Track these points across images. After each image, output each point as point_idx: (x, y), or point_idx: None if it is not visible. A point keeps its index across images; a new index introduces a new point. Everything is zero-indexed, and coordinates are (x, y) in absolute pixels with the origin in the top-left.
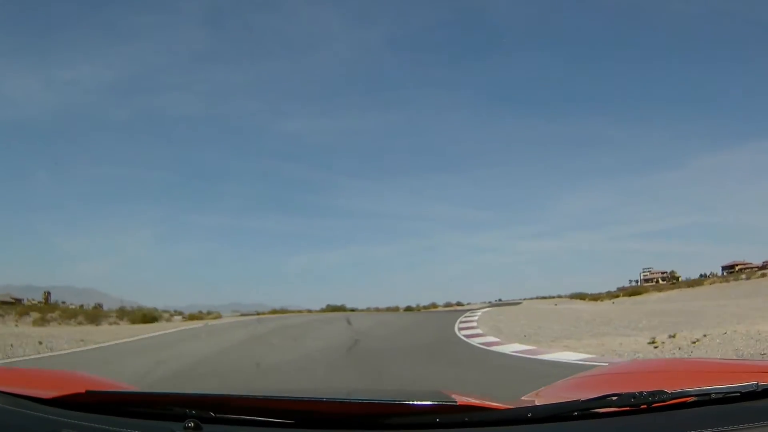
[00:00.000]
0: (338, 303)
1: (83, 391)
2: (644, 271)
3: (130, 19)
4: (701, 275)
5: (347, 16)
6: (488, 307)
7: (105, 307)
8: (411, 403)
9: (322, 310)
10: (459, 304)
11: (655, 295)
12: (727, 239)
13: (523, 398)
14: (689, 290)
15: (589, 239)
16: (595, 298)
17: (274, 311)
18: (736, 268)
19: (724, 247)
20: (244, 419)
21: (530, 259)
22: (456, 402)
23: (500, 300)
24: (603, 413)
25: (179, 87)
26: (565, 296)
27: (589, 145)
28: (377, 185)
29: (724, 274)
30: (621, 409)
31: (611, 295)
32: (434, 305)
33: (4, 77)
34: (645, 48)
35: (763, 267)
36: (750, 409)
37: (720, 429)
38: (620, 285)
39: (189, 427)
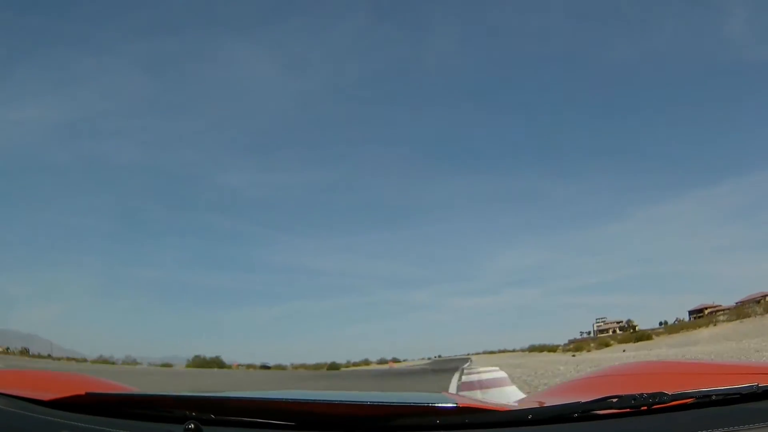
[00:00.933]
0: (271, 358)
1: (83, 392)
2: (598, 321)
3: (76, 61)
4: (660, 323)
5: (286, 68)
6: (427, 362)
7: (47, 354)
8: (411, 404)
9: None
10: (395, 360)
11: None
12: (670, 289)
13: (523, 400)
14: (696, 333)
15: (527, 295)
16: (552, 350)
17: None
18: (705, 311)
19: (668, 297)
20: (245, 421)
21: (468, 316)
22: (457, 403)
23: (440, 356)
24: (603, 415)
25: (121, 134)
26: (512, 351)
27: (525, 200)
28: (314, 242)
29: (692, 319)
30: (621, 411)
31: (566, 348)
32: (366, 362)
33: None
34: (579, 102)
35: (737, 308)
36: (750, 410)
37: (720, 430)
38: (570, 338)
39: (189, 429)
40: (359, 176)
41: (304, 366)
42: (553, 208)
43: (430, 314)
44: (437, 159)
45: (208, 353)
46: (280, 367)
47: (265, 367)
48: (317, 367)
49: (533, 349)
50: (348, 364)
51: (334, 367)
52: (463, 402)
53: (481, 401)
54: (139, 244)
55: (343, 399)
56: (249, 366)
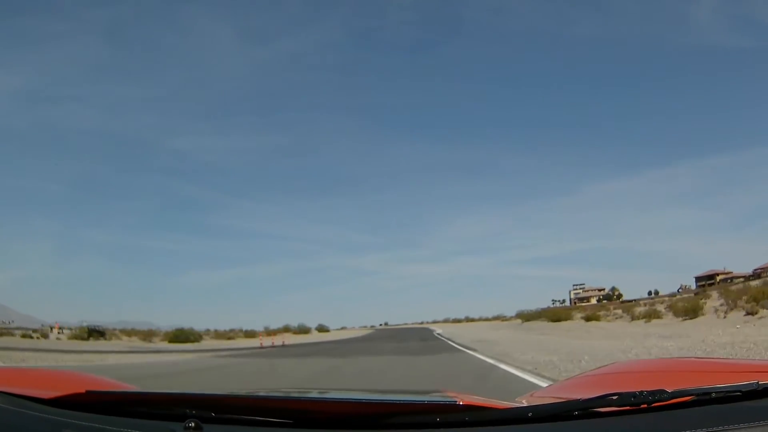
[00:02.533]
0: (217, 323)
1: (83, 391)
2: (576, 288)
3: (30, 26)
4: (650, 293)
5: (243, 33)
6: (368, 331)
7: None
8: (411, 402)
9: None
10: (322, 328)
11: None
12: (624, 264)
13: (523, 397)
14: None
15: (477, 264)
16: (505, 319)
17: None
18: (717, 278)
19: (620, 273)
20: (245, 419)
21: (415, 283)
22: (456, 401)
23: (386, 323)
24: (603, 412)
25: (78, 98)
26: (490, 319)
27: (478, 171)
28: (265, 206)
29: (698, 287)
30: (621, 408)
31: (525, 317)
32: (304, 330)
33: None
34: (538, 74)
35: (753, 276)
36: (751, 408)
37: (721, 428)
38: (519, 309)
39: (189, 427)
40: (311, 142)
41: (216, 333)
42: (504, 179)
43: (379, 281)
44: (390, 127)
45: (142, 318)
46: (193, 333)
47: (96, 332)
48: (229, 335)
49: (524, 316)
50: (268, 332)
51: (250, 335)
52: (464, 399)
53: (481, 399)
54: (91, 208)
55: (342, 397)
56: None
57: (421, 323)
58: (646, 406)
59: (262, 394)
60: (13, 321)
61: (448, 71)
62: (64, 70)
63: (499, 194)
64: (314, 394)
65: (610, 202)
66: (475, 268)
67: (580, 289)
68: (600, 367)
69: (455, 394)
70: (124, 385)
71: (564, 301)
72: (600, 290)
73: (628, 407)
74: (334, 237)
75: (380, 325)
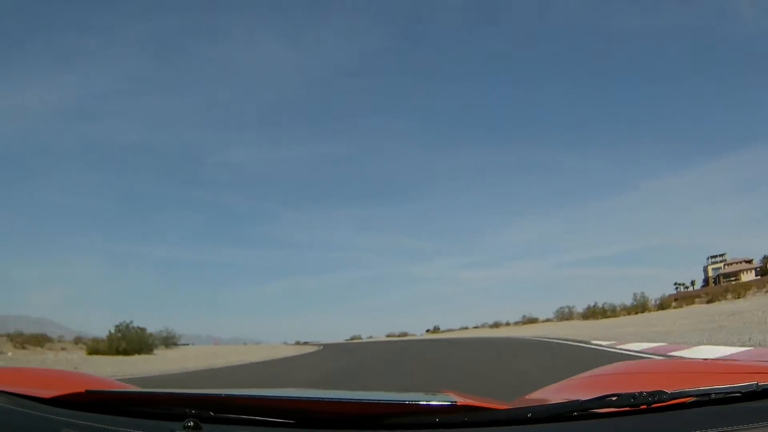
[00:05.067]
0: (274, 336)
1: (83, 390)
2: (714, 261)
3: (72, 44)
4: None
5: (291, 43)
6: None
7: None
8: (411, 402)
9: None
10: (403, 334)
11: None
12: (677, 262)
13: (522, 398)
14: None
15: (532, 267)
16: (614, 314)
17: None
18: None
19: (677, 270)
20: (244, 419)
21: (471, 288)
22: (456, 402)
23: (437, 327)
24: (602, 413)
25: (122, 114)
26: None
27: (533, 171)
28: (319, 216)
29: None
30: (620, 409)
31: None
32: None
33: None
34: (588, 71)
35: None
36: (750, 409)
37: (720, 429)
38: (580, 307)
39: (189, 427)
40: (365, 149)
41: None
42: (560, 179)
43: (432, 288)
44: (443, 131)
45: (211, 331)
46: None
47: None
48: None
49: (596, 312)
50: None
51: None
52: (462, 400)
53: (480, 399)
54: (143, 223)
55: (342, 397)
56: None
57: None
58: (645, 407)
59: (261, 393)
60: (63, 336)
61: (497, 71)
62: (108, 85)
63: (553, 194)
64: (314, 394)
65: (667, 197)
66: (529, 271)
67: (721, 262)
68: (600, 368)
69: (455, 395)
70: (124, 385)
71: (694, 283)
72: (747, 261)
73: (627, 408)
74: (387, 245)
75: (427, 331)
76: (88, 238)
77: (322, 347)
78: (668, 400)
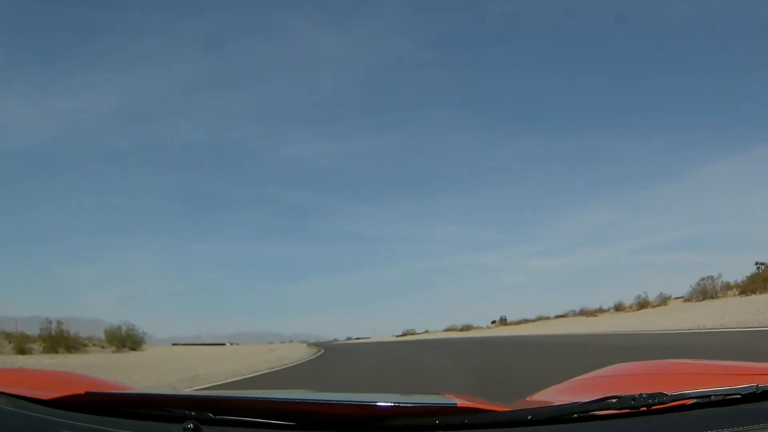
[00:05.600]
0: (346, 330)
1: (83, 392)
2: None
3: (127, 46)
4: None
5: (346, 37)
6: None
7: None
8: (410, 404)
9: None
10: (467, 327)
11: None
12: (740, 247)
13: (523, 400)
14: None
15: (598, 255)
16: None
17: None
18: None
19: (739, 256)
20: (244, 420)
21: (539, 278)
22: (456, 404)
23: (503, 319)
24: (602, 416)
25: (179, 114)
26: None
27: (592, 160)
28: (383, 209)
29: None
30: (620, 411)
31: None
32: (408, 333)
33: (2, 107)
34: (644, 59)
35: None
36: (750, 411)
37: (720, 431)
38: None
39: (188, 429)
40: (424, 141)
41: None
42: (621, 166)
43: (500, 277)
44: (502, 121)
45: (280, 328)
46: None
47: None
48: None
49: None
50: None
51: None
52: (463, 402)
53: (480, 401)
54: (204, 222)
55: (342, 399)
56: None
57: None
58: (645, 409)
59: (261, 395)
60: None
61: (561, 61)
62: (165, 86)
63: (613, 181)
64: (313, 396)
65: (725, 184)
66: (594, 259)
67: None
68: (600, 370)
69: (455, 397)
70: (124, 387)
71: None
72: None
73: (627, 410)
74: (452, 235)
75: (493, 323)
76: (144, 238)
77: (320, 351)
78: (668, 402)
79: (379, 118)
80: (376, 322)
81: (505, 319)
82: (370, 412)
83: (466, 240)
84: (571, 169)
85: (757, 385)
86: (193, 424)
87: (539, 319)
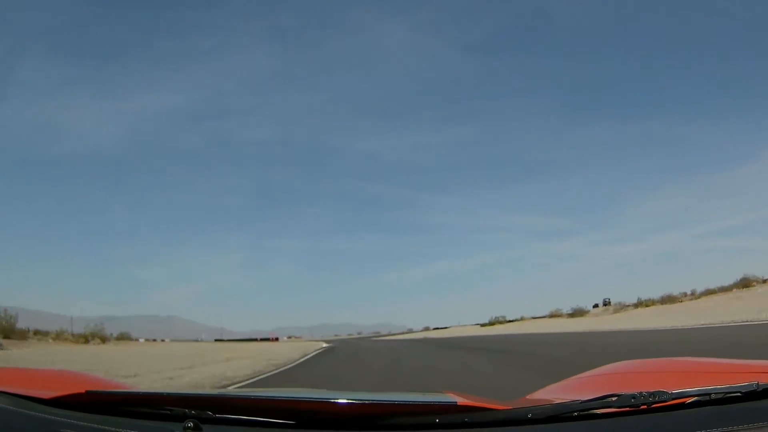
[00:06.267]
0: (424, 320)
1: (83, 391)
2: None
3: (191, 45)
4: None
5: (414, 27)
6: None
7: (189, 333)
8: (411, 403)
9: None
10: (578, 312)
11: None
12: None
13: (523, 398)
14: None
15: (669, 240)
16: None
17: None
18: None
19: None
20: (244, 419)
21: (612, 264)
22: (456, 402)
23: (580, 310)
24: (603, 414)
25: (250, 111)
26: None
27: (664, 145)
28: (457, 199)
29: None
30: (621, 409)
31: None
32: (498, 321)
33: (68, 110)
34: (711, 44)
35: None
36: (750, 409)
37: (720, 430)
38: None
39: (188, 428)
40: (497, 130)
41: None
42: (690, 151)
43: (573, 265)
44: (573, 108)
45: (361, 319)
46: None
47: None
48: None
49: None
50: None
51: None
52: (462, 400)
53: (480, 399)
54: (280, 217)
55: (342, 398)
56: None
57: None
58: (645, 407)
59: (261, 394)
60: (202, 337)
61: (633, 47)
62: (234, 83)
63: (684, 166)
64: (314, 395)
65: None
66: (667, 244)
67: None
68: (600, 368)
69: (455, 395)
70: (124, 386)
71: None
72: None
73: (627, 408)
74: (528, 224)
75: (596, 307)
76: (219, 235)
77: (323, 347)
78: (668, 400)
79: (451, 108)
80: (455, 311)
81: (583, 311)
82: (370, 410)
83: (540, 229)
84: (642, 154)
85: (757, 383)
86: (193, 422)
87: (619, 308)
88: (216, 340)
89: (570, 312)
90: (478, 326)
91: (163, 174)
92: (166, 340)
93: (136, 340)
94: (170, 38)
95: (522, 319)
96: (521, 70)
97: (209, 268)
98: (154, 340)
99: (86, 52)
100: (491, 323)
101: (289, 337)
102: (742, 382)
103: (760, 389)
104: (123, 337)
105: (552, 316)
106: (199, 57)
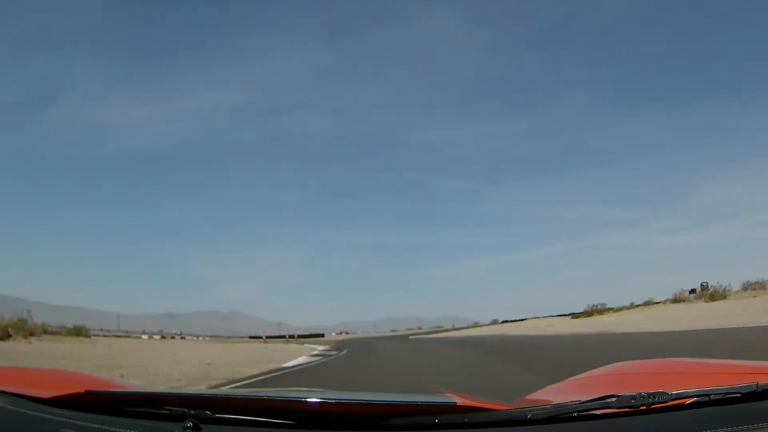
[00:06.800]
0: (490, 313)
1: (83, 391)
2: None
3: (246, 42)
4: None
5: (467, 18)
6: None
7: (250, 329)
8: (411, 403)
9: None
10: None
11: None
12: None
13: (523, 399)
14: None
15: (733, 227)
16: None
17: None
18: None
19: None
20: (244, 419)
21: (673, 255)
22: (455, 402)
23: (653, 299)
24: (602, 414)
25: (307, 106)
26: None
27: (721, 133)
28: (518, 190)
29: None
30: (620, 410)
31: None
32: (597, 310)
33: (124, 110)
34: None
35: None
36: (750, 410)
37: (720, 430)
38: None
39: (188, 428)
40: (556, 121)
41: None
42: (748, 139)
43: (638, 255)
44: (635, 96)
45: (423, 312)
46: None
47: None
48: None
49: None
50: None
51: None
52: (462, 401)
53: (480, 400)
54: (342, 211)
55: (342, 398)
56: None
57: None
58: (645, 408)
59: (260, 394)
60: (264, 332)
61: (683, 35)
62: (290, 79)
63: (742, 155)
64: (313, 395)
65: None
66: (730, 231)
67: None
68: (600, 369)
69: (455, 395)
70: (124, 385)
71: None
72: None
73: (627, 409)
74: (590, 214)
75: (632, 305)
76: (280, 230)
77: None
78: (668, 401)
79: (509, 99)
80: (522, 302)
81: (651, 302)
82: (369, 410)
83: (602, 219)
84: (699, 143)
85: (757, 384)
86: (192, 422)
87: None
88: (226, 339)
89: (701, 293)
90: (568, 318)
91: (225, 171)
92: (202, 337)
93: (95, 335)
94: (227, 37)
95: (632, 306)
96: (577, 61)
97: (272, 264)
98: (170, 338)
99: (139, 53)
100: (587, 313)
101: (341, 333)
102: (742, 383)
103: (760, 390)
104: (79, 333)
105: (677, 300)
106: (256, 54)
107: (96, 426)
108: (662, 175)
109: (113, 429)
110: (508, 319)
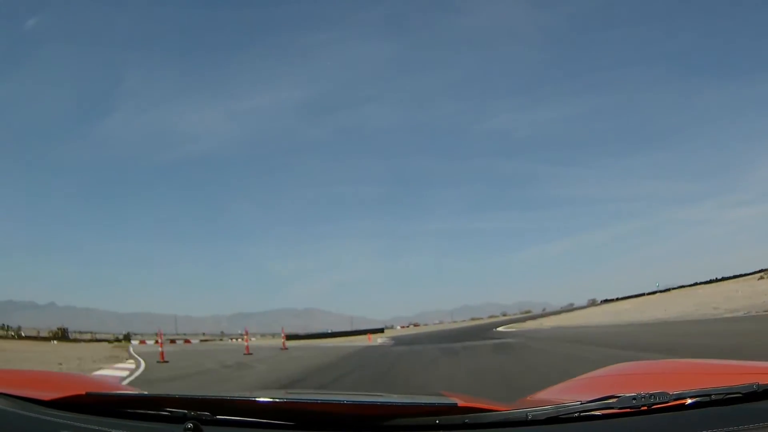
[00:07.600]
0: (566, 297)
1: (83, 392)
2: None
3: (305, 39)
4: None
5: (526, 2)
6: None
7: (325, 324)
8: (411, 404)
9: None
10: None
11: None
12: None
13: (523, 400)
14: None
15: None
16: None
17: None
18: None
19: None
20: (245, 420)
21: (739, 228)
22: (456, 403)
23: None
24: (603, 415)
25: (372, 99)
26: None
27: None
28: (588, 171)
29: None
30: (621, 411)
31: None
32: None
33: (185, 114)
34: None
35: None
36: (750, 410)
37: (721, 430)
38: None
39: (188, 429)
40: (626, 99)
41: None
42: None
43: (708, 229)
44: (694, 72)
45: (503, 299)
46: None
47: None
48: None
49: None
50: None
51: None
52: (463, 401)
53: (481, 400)
54: (415, 202)
55: (342, 399)
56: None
57: None
58: (646, 408)
59: (261, 395)
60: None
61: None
62: (353, 73)
63: None
64: (313, 396)
65: None
66: None
67: None
68: (601, 369)
69: (455, 396)
70: (124, 387)
71: None
72: None
73: (628, 410)
74: (660, 191)
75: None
76: (354, 224)
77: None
78: (669, 401)
79: (576, 81)
80: (601, 284)
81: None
82: (370, 411)
83: (672, 194)
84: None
85: (757, 384)
86: (193, 424)
87: None
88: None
89: None
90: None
91: (294, 169)
92: (256, 336)
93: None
94: (285, 34)
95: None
96: (643, 39)
97: (348, 259)
98: (232, 339)
99: (197, 57)
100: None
101: (403, 326)
102: (742, 383)
103: (760, 390)
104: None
105: None
106: (316, 50)
107: (96, 428)
108: (726, 149)
109: (114, 431)
110: (609, 298)
